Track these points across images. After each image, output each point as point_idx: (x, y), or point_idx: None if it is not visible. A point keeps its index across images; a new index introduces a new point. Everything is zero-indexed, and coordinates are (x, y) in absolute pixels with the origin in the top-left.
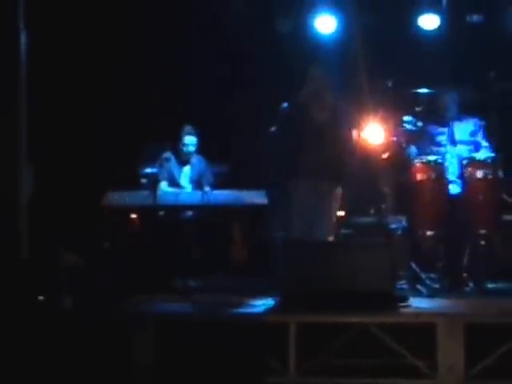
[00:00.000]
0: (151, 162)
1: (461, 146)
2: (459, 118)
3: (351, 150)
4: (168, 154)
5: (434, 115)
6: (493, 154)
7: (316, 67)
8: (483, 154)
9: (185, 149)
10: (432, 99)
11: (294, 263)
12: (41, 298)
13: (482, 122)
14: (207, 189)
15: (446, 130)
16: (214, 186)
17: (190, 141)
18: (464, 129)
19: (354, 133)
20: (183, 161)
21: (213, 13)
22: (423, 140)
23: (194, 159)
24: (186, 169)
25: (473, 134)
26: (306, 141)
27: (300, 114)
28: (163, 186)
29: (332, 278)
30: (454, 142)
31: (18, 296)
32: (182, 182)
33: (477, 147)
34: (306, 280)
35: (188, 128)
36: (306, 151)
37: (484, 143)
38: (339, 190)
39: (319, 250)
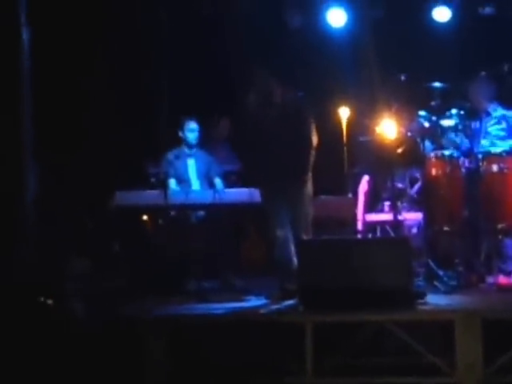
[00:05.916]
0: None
1: (489, 138)
2: (488, 111)
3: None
4: (170, 154)
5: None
6: None
7: (258, 70)
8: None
9: (190, 136)
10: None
11: (310, 261)
12: (49, 301)
13: None
14: (217, 180)
15: (476, 122)
16: (226, 183)
17: (193, 127)
18: (496, 120)
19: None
20: (187, 154)
21: (223, 10)
22: (438, 134)
23: (198, 153)
24: (191, 162)
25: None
26: (265, 145)
27: (251, 123)
28: (172, 184)
29: (349, 276)
30: (481, 134)
31: (20, 298)
32: (191, 176)
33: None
34: (322, 278)
35: (189, 118)
36: (267, 154)
37: None
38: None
39: (336, 247)
